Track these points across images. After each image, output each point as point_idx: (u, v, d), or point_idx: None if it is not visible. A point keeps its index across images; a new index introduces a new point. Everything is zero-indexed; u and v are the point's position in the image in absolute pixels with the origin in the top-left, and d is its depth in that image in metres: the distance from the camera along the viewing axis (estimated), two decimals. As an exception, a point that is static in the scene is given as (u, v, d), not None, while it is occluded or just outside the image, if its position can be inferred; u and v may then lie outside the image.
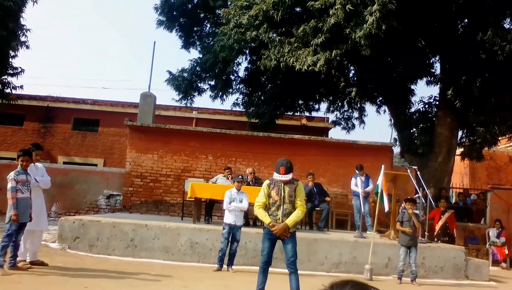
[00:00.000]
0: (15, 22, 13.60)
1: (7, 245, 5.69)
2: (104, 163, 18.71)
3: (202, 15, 16.33)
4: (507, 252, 11.23)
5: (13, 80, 14.65)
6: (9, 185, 5.73)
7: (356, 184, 10.02)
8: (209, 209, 9.85)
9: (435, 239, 10.08)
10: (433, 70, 13.18)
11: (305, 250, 7.84)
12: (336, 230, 10.64)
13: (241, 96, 16.29)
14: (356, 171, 10.17)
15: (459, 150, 13.71)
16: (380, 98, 14.48)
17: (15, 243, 5.80)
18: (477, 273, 8.43)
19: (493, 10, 10.21)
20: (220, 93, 15.66)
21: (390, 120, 14.24)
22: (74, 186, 12.44)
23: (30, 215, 5.87)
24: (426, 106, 13.52)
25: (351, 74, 14.46)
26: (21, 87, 14.74)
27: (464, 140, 13.43)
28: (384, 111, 14.85)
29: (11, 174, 5.78)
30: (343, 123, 15.98)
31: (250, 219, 9.73)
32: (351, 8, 9.02)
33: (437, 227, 10.53)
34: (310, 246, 8.06)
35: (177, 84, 14.74)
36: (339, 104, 15.89)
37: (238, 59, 15.07)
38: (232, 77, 15.99)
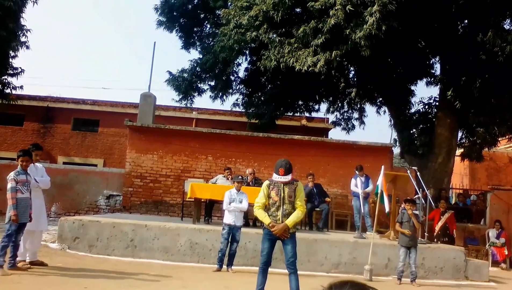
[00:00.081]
0: (15, 22, 13.61)
1: (7, 245, 5.69)
2: (104, 164, 18.72)
3: (202, 15, 16.34)
4: (506, 253, 11.23)
5: (13, 80, 14.69)
6: (9, 185, 5.73)
7: (356, 184, 10.02)
8: (208, 210, 9.85)
9: (435, 240, 10.08)
10: (433, 71, 13.21)
11: (305, 251, 7.84)
12: (336, 231, 10.64)
13: (241, 97, 16.31)
14: (356, 171, 10.16)
15: (459, 151, 13.72)
16: (380, 99, 14.48)
17: (15, 243, 5.79)
18: (477, 273, 8.43)
19: (493, 10, 10.22)
20: (220, 94, 15.67)
21: (390, 120, 14.26)
22: (74, 187, 12.44)
23: (30, 215, 5.87)
24: (426, 106, 13.54)
25: (351, 75, 14.47)
26: (21, 87, 14.76)
27: (464, 140, 13.44)
28: (384, 111, 14.87)
29: (11, 174, 5.78)
30: (343, 124, 16.01)
31: (250, 219, 9.73)
32: (351, 8, 9.02)
33: (437, 228, 10.54)
34: (310, 247, 8.06)
35: (177, 84, 14.75)
36: (339, 104, 15.89)
37: (238, 60, 15.08)
38: (232, 78, 16.01)
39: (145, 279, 6.24)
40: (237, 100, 16.28)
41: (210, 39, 15.82)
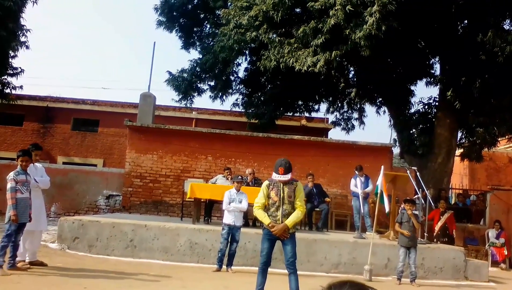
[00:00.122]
0: (15, 22, 13.62)
1: (7, 245, 5.69)
2: (103, 164, 18.71)
3: (202, 15, 16.34)
4: (506, 253, 11.23)
5: (13, 80, 14.71)
6: (8, 185, 5.72)
7: (356, 184, 10.02)
8: (208, 210, 9.85)
9: (435, 240, 10.09)
10: (433, 71, 13.21)
11: (305, 251, 7.84)
12: (335, 231, 10.64)
13: (240, 97, 16.31)
14: (356, 171, 10.16)
15: (458, 151, 13.72)
16: (380, 99, 14.48)
17: (15, 243, 5.79)
18: (476, 274, 8.43)
19: (493, 11, 10.22)
20: (220, 94, 15.67)
21: (390, 120, 14.26)
22: (73, 187, 12.44)
23: (30, 215, 5.87)
24: (426, 107, 13.54)
25: (351, 75, 14.47)
26: (21, 87, 14.78)
27: (463, 141, 13.45)
28: (384, 112, 14.86)
29: (11, 174, 5.77)
30: (342, 124, 16.01)
31: (249, 219, 9.73)
32: (351, 9, 9.02)
33: (437, 228, 10.54)
34: (309, 247, 8.06)
35: (177, 84, 14.75)
36: (339, 104, 15.89)
37: (238, 60, 15.09)
38: (232, 78, 16.01)
39: (144, 279, 6.24)
40: (236, 100, 16.31)
41: (210, 39, 15.83)
